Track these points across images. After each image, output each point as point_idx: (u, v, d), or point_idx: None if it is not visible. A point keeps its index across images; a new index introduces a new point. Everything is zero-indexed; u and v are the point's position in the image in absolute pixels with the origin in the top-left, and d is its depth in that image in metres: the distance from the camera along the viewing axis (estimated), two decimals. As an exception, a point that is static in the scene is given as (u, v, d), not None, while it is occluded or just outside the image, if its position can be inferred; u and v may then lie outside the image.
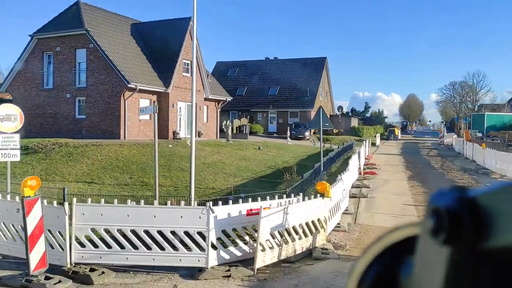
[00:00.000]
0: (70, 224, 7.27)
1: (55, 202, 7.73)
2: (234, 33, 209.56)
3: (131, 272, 7.31)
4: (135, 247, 7.31)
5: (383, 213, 12.59)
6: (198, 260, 7.37)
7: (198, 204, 9.76)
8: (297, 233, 8.33)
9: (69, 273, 7.03)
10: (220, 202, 7.97)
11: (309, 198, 9.22)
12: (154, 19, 32.30)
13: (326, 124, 15.49)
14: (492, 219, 0.43)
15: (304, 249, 8.46)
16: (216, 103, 33.72)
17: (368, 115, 76.86)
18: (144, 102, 26.06)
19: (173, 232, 7.34)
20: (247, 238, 7.94)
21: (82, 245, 7.36)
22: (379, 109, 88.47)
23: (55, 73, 27.55)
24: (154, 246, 7.30)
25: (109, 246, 7.34)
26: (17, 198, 7.79)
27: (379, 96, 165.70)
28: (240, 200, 8.19)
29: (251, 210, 7.91)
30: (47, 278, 6.77)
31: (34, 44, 28.00)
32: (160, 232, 7.33)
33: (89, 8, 27.99)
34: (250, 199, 8.44)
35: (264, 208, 7.64)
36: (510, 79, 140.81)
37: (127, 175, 16.71)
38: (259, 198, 8.46)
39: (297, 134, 39.75)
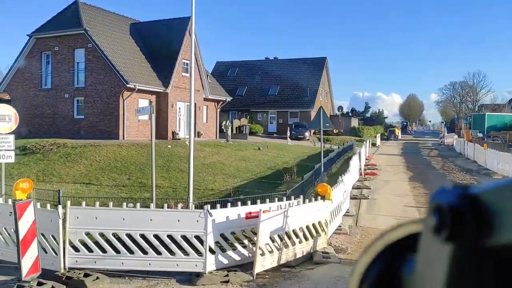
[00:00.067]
0: (64, 228, 7.07)
1: (48, 205, 7.52)
2: (234, 33, 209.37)
3: (127, 277, 7.11)
4: (130, 251, 7.11)
5: (385, 215, 12.39)
6: (196, 265, 7.17)
7: (196, 207, 9.56)
8: (297, 236, 8.13)
9: (62, 278, 6.83)
10: (218, 205, 7.77)
11: (310, 200, 9.03)
12: (153, 18, 32.06)
13: (327, 125, 15.29)
14: (495, 216, 0.42)
15: (304, 253, 8.26)
16: (216, 103, 33.52)
17: (368, 115, 76.63)
18: (143, 102, 25.86)
19: (170, 236, 7.14)
20: (246, 241, 7.74)
21: (76, 249, 7.16)
22: (379, 109, 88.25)
23: (53, 73, 27.37)
24: (150, 250, 7.10)
25: (104, 251, 7.14)
26: (9, 201, 7.59)
27: (379, 96, 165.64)
28: (239, 203, 7.99)
29: (250, 213, 7.71)
30: (39, 284, 6.57)
31: (33, 44, 27.81)
32: (156, 236, 7.13)
33: (87, 8, 27.80)
34: (249, 201, 8.24)
35: (263, 211, 7.44)
36: (510, 79, 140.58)
37: (125, 176, 16.51)
38: (259, 201, 8.27)
39: (297, 134, 39.54)
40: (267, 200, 8.57)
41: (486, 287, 0.43)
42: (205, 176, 16.85)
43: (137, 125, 26.00)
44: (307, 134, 39.98)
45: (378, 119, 73.73)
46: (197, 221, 7.16)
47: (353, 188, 15.54)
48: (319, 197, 8.94)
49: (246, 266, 7.48)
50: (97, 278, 6.90)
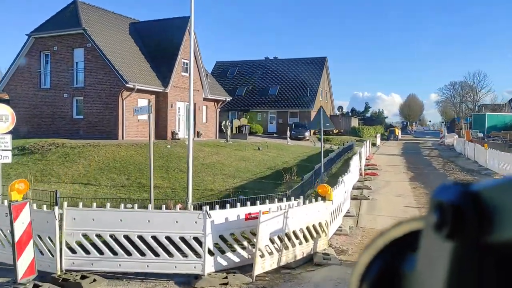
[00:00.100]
0: (61, 229, 6.97)
1: (44, 206, 7.41)
2: (234, 33, 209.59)
3: (124, 280, 7.00)
4: (128, 253, 6.99)
5: (386, 216, 12.28)
6: (194, 267, 7.06)
7: (195, 207, 9.45)
8: (297, 238, 8.02)
9: (59, 280, 6.72)
10: (217, 206, 7.66)
11: (310, 201, 8.92)
12: (152, 18, 31.94)
13: (327, 124, 15.18)
14: (496, 213, 0.42)
15: (304, 255, 8.15)
16: (216, 103, 33.41)
17: (368, 115, 76.49)
18: (143, 102, 25.69)
19: (168, 238, 7.03)
20: (245, 243, 7.63)
21: (73, 251, 7.04)
22: (379, 109, 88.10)
23: (52, 73, 27.26)
24: (148, 252, 6.99)
25: (101, 252, 7.02)
26: (5, 202, 7.48)
27: (379, 96, 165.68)
28: (238, 204, 7.88)
29: (249, 214, 7.60)
30: (35, 286, 6.46)
31: (31, 44, 27.70)
32: (154, 238, 7.02)
33: (86, 7, 27.69)
34: (248, 202, 8.13)
35: (263, 212, 7.33)
36: (510, 79, 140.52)
37: (124, 176, 16.40)
38: (258, 202, 8.15)
39: (297, 134, 39.43)
40: (267, 201, 8.46)
41: (487, 284, 0.43)
42: (204, 177, 16.74)
43: (137, 125, 25.88)
44: (307, 134, 39.87)
45: (378, 119, 73.63)
46: (196, 222, 7.05)
47: (353, 189, 15.43)
48: (319, 198, 8.83)
49: (246, 268, 7.37)
50: (94, 280, 6.79)
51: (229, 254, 7.38)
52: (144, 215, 7.19)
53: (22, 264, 6.41)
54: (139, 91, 25.61)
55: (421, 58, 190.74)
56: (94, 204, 7.49)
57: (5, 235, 7.41)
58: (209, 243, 7.10)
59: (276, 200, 9.04)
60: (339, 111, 54.61)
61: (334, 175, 18.15)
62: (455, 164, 26.63)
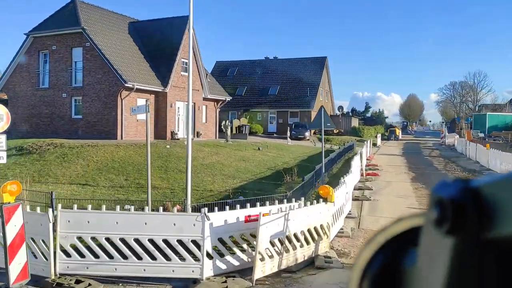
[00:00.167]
0: (55, 232, 6.77)
1: (38, 208, 7.21)
2: (234, 33, 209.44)
3: (120, 284, 6.80)
4: (124, 256, 6.79)
5: (388, 217, 12.07)
6: (193, 271, 6.86)
7: (194, 209, 9.26)
8: (298, 240, 7.82)
9: (53, 285, 6.52)
10: (216, 208, 7.46)
11: (311, 202, 8.73)
12: (152, 17, 31.75)
13: (328, 124, 14.97)
14: (496, 209, 0.43)
15: (306, 258, 7.95)
16: (215, 103, 33.21)
17: (368, 115, 76.26)
18: (142, 102, 25.48)
19: (165, 241, 6.82)
20: (245, 246, 7.43)
21: (67, 254, 6.84)
22: (379, 109, 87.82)
23: (51, 72, 27.06)
24: (145, 255, 6.79)
25: (96, 256, 6.82)
26: (-2, 204, 7.28)
27: (379, 96, 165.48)
28: (238, 206, 7.68)
29: (249, 216, 7.40)
30: (28, 291, 6.26)
31: (30, 43, 27.51)
32: (151, 241, 6.81)
33: (85, 6, 27.49)
34: (248, 204, 7.93)
35: (263, 215, 7.13)
36: (510, 79, 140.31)
37: (123, 177, 16.21)
38: (258, 203, 7.96)
39: (297, 134, 39.22)
40: (267, 202, 8.26)
41: (488, 279, 0.43)
42: (204, 177, 16.55)
43: (136, 125, 25.68)
44: (307, 134, 39.67)
45: (378, 119, 73.43)
46: (194, 225, 6.85)
47: (354, 189, 15.23)
48: (320, 199, 8.64)
49: (245, 271, 7.17)
50: (89, 284, 6.59)
51: (228, 258, 7.18)
52: (141, 217, 6.98)
53: (15, 268, 6.22)
54: (138, 90, 25.42)
55: (421, 58, 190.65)
56: (90, 206, 7.29)
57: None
58: (207, 246, 6.90)
59: (277, 201, 8.84)
60: (339, 111, 54.39)
61: (335, 176, 17.95)
62: (456, 164, 26.43)
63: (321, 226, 8.33)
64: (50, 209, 6.91)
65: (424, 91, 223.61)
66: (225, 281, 6.81)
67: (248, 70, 51.13)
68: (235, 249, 7.31)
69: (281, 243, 7.45)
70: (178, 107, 28.42)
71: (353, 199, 13.39)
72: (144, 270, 6.82)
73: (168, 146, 21.13)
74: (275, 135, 42.68)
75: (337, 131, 45.92)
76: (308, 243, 8.03)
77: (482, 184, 0.44)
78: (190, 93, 10.28)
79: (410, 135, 75.32)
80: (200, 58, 29.80)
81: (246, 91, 48.83)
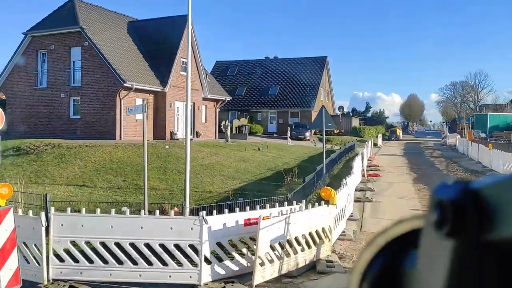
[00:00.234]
0: (48, 236, 6.54)
1: (30, 212, 6.98)
2: (234, 33, 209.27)
3: (115, 290, 6.57)
4: (119, 261, 6.56)
5: (390, 219, 11.82)
6: (190, 277, 6.63)
7: (192, 211, 9.03)
8: (299, 244, 7.59)
9: (45, 291, 6.30)
10: (214, 211, 7.23)
11: (312, 204, 8.50)
12: (151, 17, 31.52)
13: (329, 124, 14.72)
14: (496, 211, 0.42)
15: (307, 262, 7.72)
16: (215, 103, 32.98)
17: (369, 115, 76.06)
18: (141, 102, 25.23)
19: (162, 245, 6.60)
20: (244, 250, 7.20)
21: (61, 259, 6.61)
22: (380, 109, 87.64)
23: (49, 72, 26.82)
24: (141, 260, 6.56)
25: (90, 261, 6.59)
26: (-10, 207, 7.04)
27: (379, 96, 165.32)
28: (237, 209, 7.45)
29: (249, 219, 7.18)
30: (20, 297, 6.03)
31: (28, 42, 27.28)
32: (147, 245, 6.59)
33: (84, 6, 27.25)
34: (248, 207, 7.70)
35: (263, 218, 6.90)
36: (510, 79, 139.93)
37: (121, 178, 15.98)
38: (258, 206, 7.73)
39: (298, 134, 38.98)
40: (267, 205, 8.03)
41: (488, 281, 0.43)
42: (203, 178, 16.32)
43: (134, 125, 25.45)
44: (307, 134, 39.44)
45: (379, 119, 73.24)
46: (192, 229, 6.63)
47: (356, 190, 15.01)
48: (322, 201, 8.41)
49: (245, 277, 6.94)
50: (83, 290, 6.37)
51: (227, 262, 6.95)
52: (137, 221, 6.76)
53: (6, 274, 5.97)
54: (137, 90, 25.19)
55: (421, 58, 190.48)
56: (84, 209, 7.05)
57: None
58: (205, 250, 6.67)
59: (277, 204, 8.61)
60: (340, 111, 54.14)
61: (336, 176, 17.74)
62: (458, 164, 26.21)
63: (323, 229, 8.10)
64: (43, 213, 6.69)
65: (424, 91, 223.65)
66: (224, 287, 6.58)
67: (248, 70, 50.88)
68: (234, 254, 7.09)
69: (282, 247, 7.22)
70: (178, 107, 28.19)
71: (354, 201, 13.17)
72: (140, 275, 6.59)
73: (167, 147, 20.90)
74: (275, 135, 42.43)
75: (338, 131, 45.70)
76: (309, 246, 7.80)
77: (482, 186, 0.43)
78: (188, 93, 10.06)
79: (411, 135, 75.17)
80: (200, 57, 29.58)
81: (246, 91, 48.59)
